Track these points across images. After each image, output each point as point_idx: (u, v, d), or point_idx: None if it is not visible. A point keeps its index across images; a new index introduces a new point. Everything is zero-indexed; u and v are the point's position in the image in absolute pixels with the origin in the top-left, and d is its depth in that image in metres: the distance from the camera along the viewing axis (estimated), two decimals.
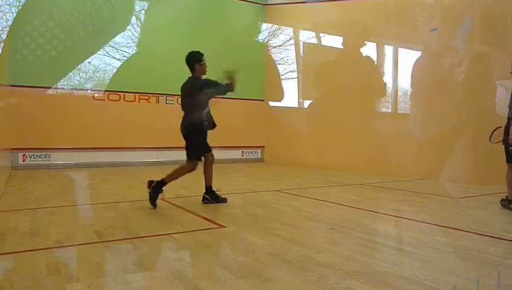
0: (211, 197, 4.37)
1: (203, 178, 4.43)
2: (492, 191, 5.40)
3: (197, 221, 3.61)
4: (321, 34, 9.77)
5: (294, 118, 10.04)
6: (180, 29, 9.22)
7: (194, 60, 4.30)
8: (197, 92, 4.23)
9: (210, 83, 4.23)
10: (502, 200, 4.36)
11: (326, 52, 9.64)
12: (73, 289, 2.00)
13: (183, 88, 4.40)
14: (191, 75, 4.38)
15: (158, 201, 4.13)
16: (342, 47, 9.21)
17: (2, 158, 5.58)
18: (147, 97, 8.99)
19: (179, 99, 4.61)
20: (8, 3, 7.78)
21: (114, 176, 6.98)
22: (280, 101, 10.30)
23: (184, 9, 9.38)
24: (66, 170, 7.72)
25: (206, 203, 4.33)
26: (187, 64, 4.33)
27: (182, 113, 4.40)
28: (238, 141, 9.88)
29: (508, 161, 4.21)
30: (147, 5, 9.24)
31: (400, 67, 8.04)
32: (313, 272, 2.24)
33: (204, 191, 4.41)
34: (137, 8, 9.21)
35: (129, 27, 8.96)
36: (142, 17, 9.27)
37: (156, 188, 4.07)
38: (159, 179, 4.11)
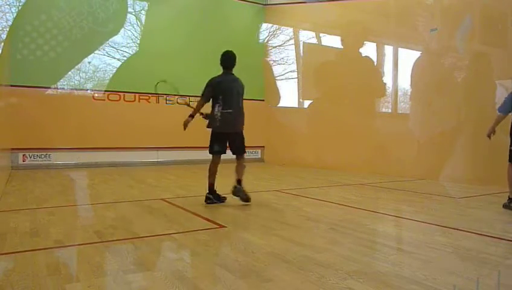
0: (214, 196, 4.37)
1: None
2: (492, 191, 5.41)
3: (197, 221, 3.61)
4: (321, 34, 9.77)
5: (294, 118, 10.04)
6: (180, 29, 9.22)
7: (235, 59, 4.45)
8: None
9: None
10: (503, 205, 4.31)
11: (326, 52, 9.64)
12: (73, 289, 2.00)
13: (237, 85, 4.44)
14: (229, 72, 4.44)
15: (157, 201, 4.14)
16: (341, 47, 9.21)
17: (2, 158, 5.58)
18: (147, 97, 8.99)
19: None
20: (8, 3, 7.78)
21: (114, 176, 6.98)
22: (277, 103, 10.30)
23: (184, 10, 9.39)
24: (66, 170, 7.72)
25: (209, 203, 4.32)
26: (231, 62, 4.43)
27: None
28: None
29: (510, 160, 4.21)
30: (147, 5, 9.24)
31: (400, 67, 8.03)
32: (313, 272, 2.24)
33: (207, 191, 4.39)
34: (137, 8, 9.21)
35: (129, 27, 8.97)
36: (142, 17, 9.27)
37: (241, 188, 4.35)
38: (235, 181, 4.38)
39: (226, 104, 4.33)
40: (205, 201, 4.34)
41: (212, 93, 4.35)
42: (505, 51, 6.39)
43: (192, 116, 4.34)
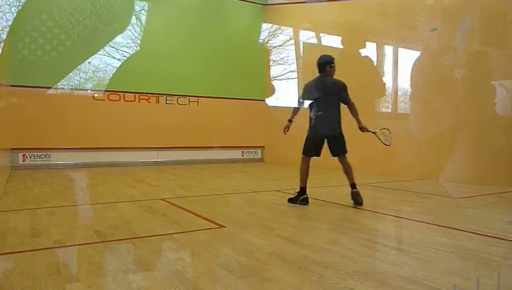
0: (300, 198, 4.46)
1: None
2: (492, 191, 5.40)
3: (197, 221, 3.61)
4: (321, 34, 9.77)
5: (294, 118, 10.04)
6: (180, 29, 9.23)
7: (326, 62, 4.55)
8: (346, 92, 4.54)
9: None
10: None
11: (326, 52, 9.61)
12: (73, 289, 1.99)
13: (331, 87, 4.49)
14: (323, 75, 4.54)
15: (157, 201, 4.15)
16: (341, 47, 9.21)
17: (2, 158, 5.58)
18: (147, 97, 8.99)
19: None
20: (8, 3, 7.78)
21: (114, 176, 6.98)
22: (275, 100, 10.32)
23: (184, 10, 9.39)
24: (66, 170, 7.72)
25: (302, 203, 4.38)
26: (319, 65, 4.55)
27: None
28: (238, 141, 9.88)
29: None
30: (147, 6, 9.24)
31: (400, 67, 8.03)
32: (313, 272, 2.24)
33: (301, 191, 4.50)
34: (137, 8, 9.22)
35: (129, 27, 8.97)
36: (143, 17, 9.27)
37: (357, 192, 4.46)
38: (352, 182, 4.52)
39: (318, 107, 4.47)
40: (299, 202, 4.40)
41: (306, 97, 4.52)
42: (505, 51, 6.39)
43: (290, 120, 4.64)
